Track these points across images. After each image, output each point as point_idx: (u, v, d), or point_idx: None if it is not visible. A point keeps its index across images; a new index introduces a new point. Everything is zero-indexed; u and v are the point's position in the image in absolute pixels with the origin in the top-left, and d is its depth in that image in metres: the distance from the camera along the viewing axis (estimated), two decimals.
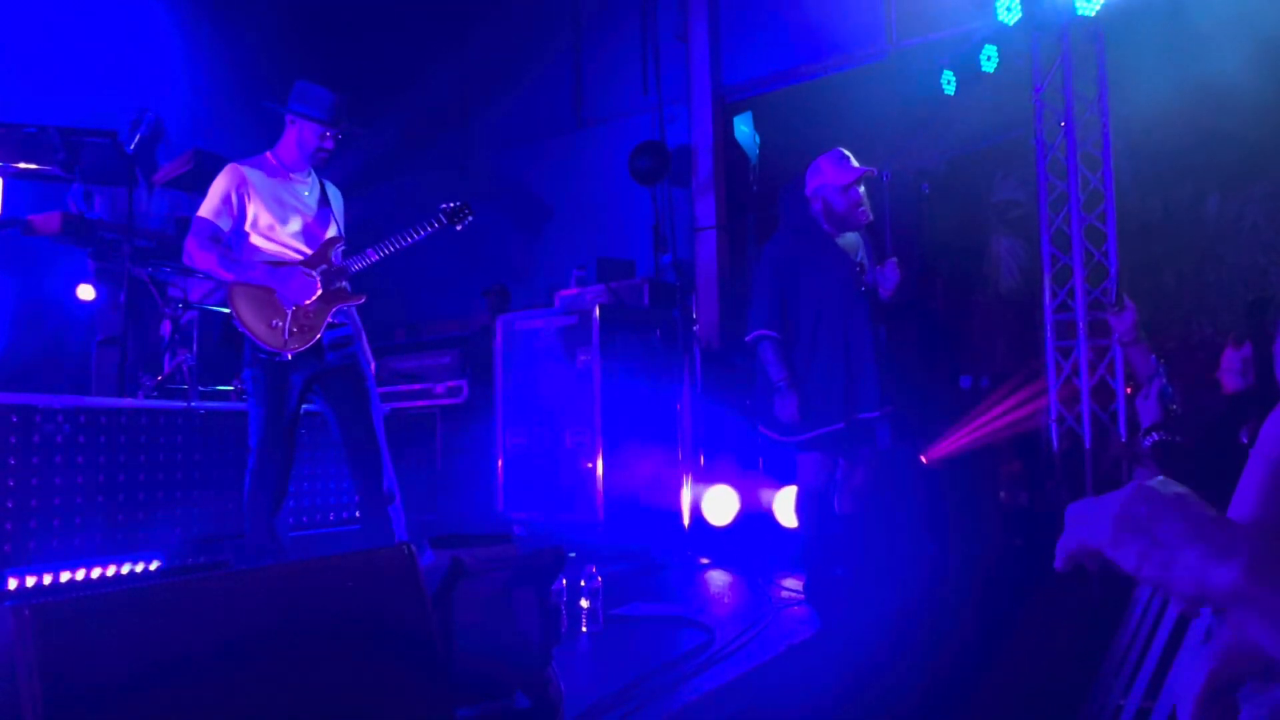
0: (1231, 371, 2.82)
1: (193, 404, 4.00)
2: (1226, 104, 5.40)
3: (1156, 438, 2.32)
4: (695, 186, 7.00)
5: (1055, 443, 5.23)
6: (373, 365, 3.40)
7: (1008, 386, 5.96)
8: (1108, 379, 5.18)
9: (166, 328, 4.83)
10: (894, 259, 3.32)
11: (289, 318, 3.04)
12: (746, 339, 3.38)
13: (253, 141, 3.41)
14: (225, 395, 4.91)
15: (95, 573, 3.44)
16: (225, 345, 5.60)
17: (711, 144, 6.95)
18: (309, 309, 3.08)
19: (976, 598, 3.80)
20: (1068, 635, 2.98)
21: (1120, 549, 0.55)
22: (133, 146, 4.67)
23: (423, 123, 8.29)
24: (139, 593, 1.31)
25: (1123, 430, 5.09)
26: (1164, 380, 2.37)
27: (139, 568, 3.60)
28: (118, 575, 3.51)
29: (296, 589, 1.43)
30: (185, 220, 5.19)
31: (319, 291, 3.07)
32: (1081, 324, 5.14)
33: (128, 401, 3.92)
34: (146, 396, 4.24)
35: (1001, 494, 5.56)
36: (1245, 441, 2.27)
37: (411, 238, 3.22)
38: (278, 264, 3.09)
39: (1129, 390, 5.10)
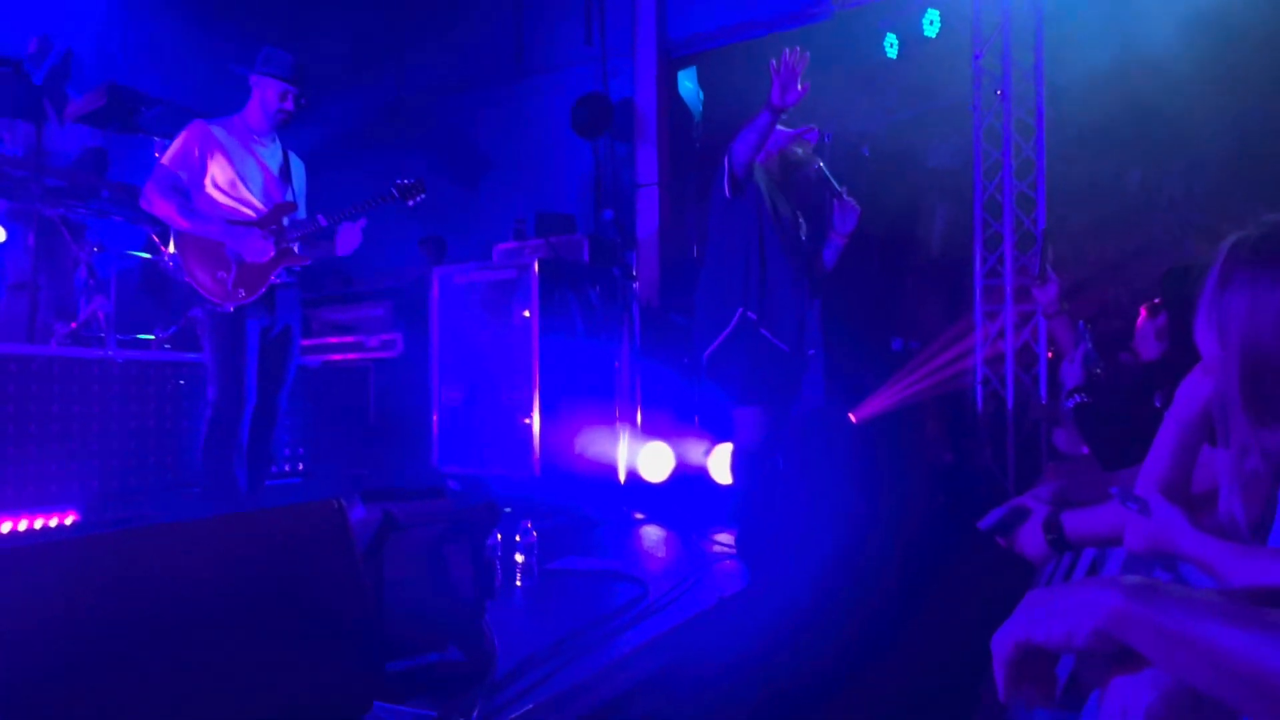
0: (1148, 339, 2.94)
1: (110, 353, 3.84)
2: (1155, 77, 5.55)
3: (1078, 400, 2.41)
4: (638, 142, 6.92)
5: (980, 404, 5.40)
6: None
7: (934, 348, 6.13)
8: (1031, 343, 5.36)
9: (82, 273, 4.60)
10: (846, 193, 3.39)
11: (234, 271, 3.15)
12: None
13: (173, 76, 3.30)
14: (145, 345, 4.72)
15: (6, 527, 3.31)
16: (145, 292, 5.39)
17: (655, 99, 6.86)
18: (256, 265, 3.18)
19: (902, 552, 3.94)
20: (988, 587, 3.11)
21: (1034, 626, 0.64)
22: (40, 78, 4.39)
23: (352, 62, 7.96)
24: (54, 548, 1.26)
25: (1044, 393, 5.29)
26: (1089, 345, 2.47)
27: (53, 522, 3.47)
28: (30, 530, 3.38)
29: (222, 544, 1.39)
30: (99, 155, 4.93)
31: (273, 254, 3.21)
32: (1009, 289, 5.29)
33: (40, 349, 3.74)
34: (60, 344, 4.04)
35: (927, 453, 5.74)
36: (1159, 405, 2.38)
37: (362, 210, 3.35)
38: (233, 221, 3.21)
39: (1050, 355, 5.29)
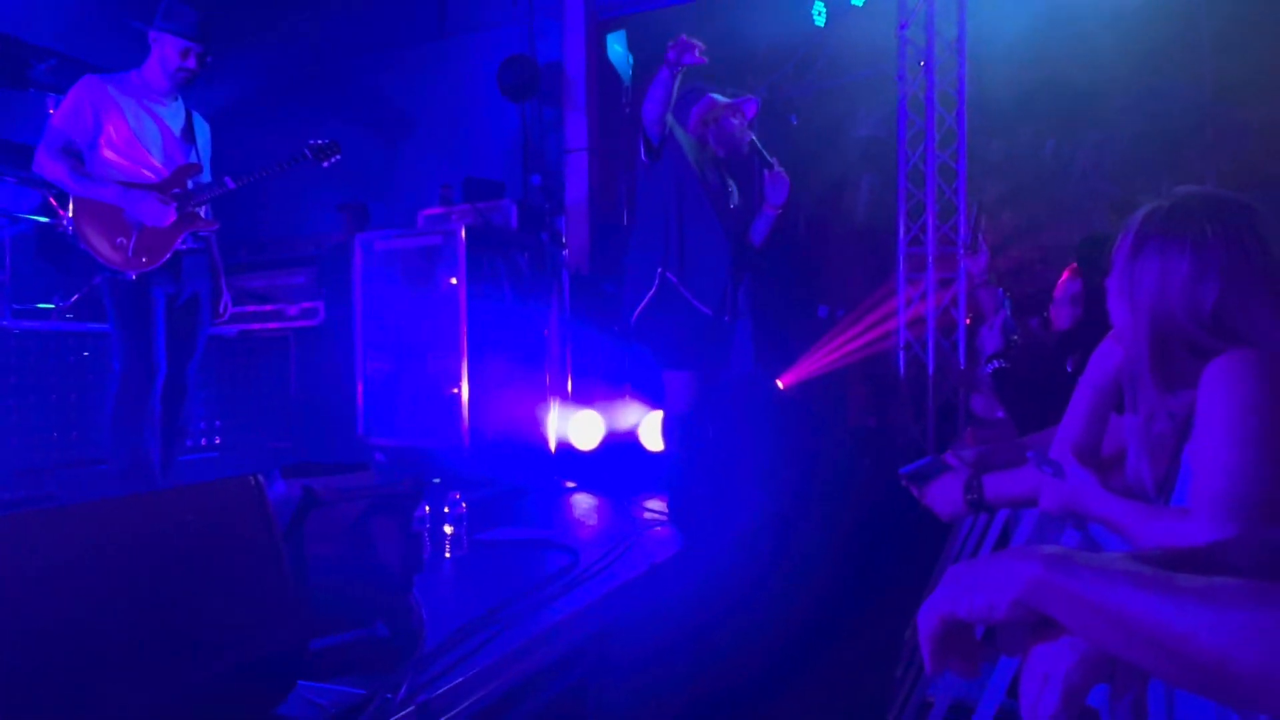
0: (1063, 306, 3.05)
1: (5, 323, 3.62)
2: (1072, 52, 5.71)
3: (997, 365, 2.49)
4: (566, 106, 6.80)
5: (902, 369, 5.55)
6: (226, 298, 3.40)
7: (855, 314, 6.26)
8: (951, 310, 5.51)
9: None
10: (777, 164, 3.39)
11: (134, 238, 2.98)
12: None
13: (69, 27, 3.08)
14: (45, 314, 4.46)
15: None
16: (43, 259, 5.08)
17: (584, 62, 6.74)
18: (158, 230, 3.02)
19: (827, 514, 4.04)
20: (909, 547, 3.22)
21: (957, 601, 0.64)
22: None
23: (266, 17, 7.57)
24: None
25: (962, 359, 5.46)
26: (1008, 312, 2.55)
27: None
28: None
29: (133, 524, 1.32)
30: None
31: (174, 219, 3.04)
32: (931, 257, 5.41)
33: None
34: None
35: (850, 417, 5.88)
36: (1071, 371, 2.47)
37: (273, 172, 3.21)
38: (131, 184, 3.02)
39: (969, 321, 5.46)
